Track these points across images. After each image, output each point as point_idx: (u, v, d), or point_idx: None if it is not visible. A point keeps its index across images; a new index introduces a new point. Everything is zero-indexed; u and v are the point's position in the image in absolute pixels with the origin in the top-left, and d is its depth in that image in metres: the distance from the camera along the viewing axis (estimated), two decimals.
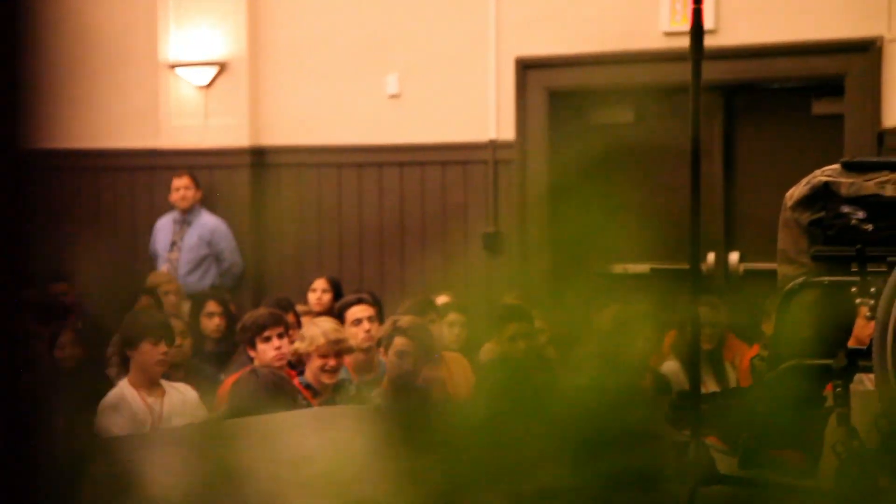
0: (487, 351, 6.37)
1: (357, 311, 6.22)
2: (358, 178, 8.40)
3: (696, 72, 3.20)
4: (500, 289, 7.79)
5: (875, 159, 3.21)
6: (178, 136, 8.64)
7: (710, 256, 7.85)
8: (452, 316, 6.79)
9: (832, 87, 7.44)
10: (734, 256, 7.82)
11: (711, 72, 7.55)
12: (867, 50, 7.20)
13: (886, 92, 7.16)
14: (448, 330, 6.74)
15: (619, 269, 8.18)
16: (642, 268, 8.06)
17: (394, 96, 8.28)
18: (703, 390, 5.45)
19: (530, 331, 6.23)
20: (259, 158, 8.55)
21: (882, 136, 7.12)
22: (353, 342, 5.79)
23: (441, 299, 7.37)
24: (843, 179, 3.19)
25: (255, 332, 5.67)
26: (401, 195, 8.32)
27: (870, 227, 3.13)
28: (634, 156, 8.07)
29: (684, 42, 7.24)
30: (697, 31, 3.21)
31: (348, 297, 6.59)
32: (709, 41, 7.40)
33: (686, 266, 7.68)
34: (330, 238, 8.47)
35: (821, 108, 7.60)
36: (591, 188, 8.11)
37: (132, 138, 8.74)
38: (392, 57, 8.25)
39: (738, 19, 7.50)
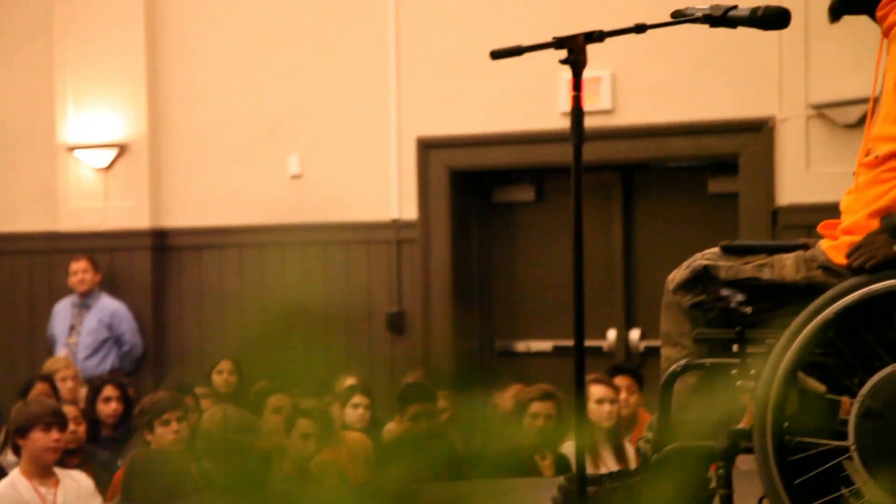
0: (389, 431, 6.36)
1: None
2: (260, 259, 8.37)
3: (577, 155, 3.24)
4: (403, 368, 7.78)
5: (752, 243, 3.26)
6: (77, 219, 8.57)
7: (611, 333, 7.91)
8: (357, 398, 6.79)
9: (727, 166, 7.56)
10: (634, 333, 7.88)
11: (609, 151, 7.70)
12: (760, 130, 7.34)
13: (779, 171, 7.28)
14: (352, 411, 6.73)
15: (521, 347, 8.22)
16: (545, 345, 8.10)
17: (296, 176, 8.29)
18: (603, 470, 5.47)
19: (433, 410, 6.22)
20: (160, 240, 8.50)
21: (776, 213, 7.24)
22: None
23: (347, 381, 7.35)
24: (722, 263, 3.23)
25: (154, 416, 5.62)
26: (303, 276, 8.30)
27: (749, 309, 3.18)
28: (536, 233, 8.13)
29: (585, 121, 7.33)
30: (577, 116, 3.24)
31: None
32: (606, 121, 7.58)
33: (591, 343, 7.73)
34: (232, 319, 8.41)
35: (716, 186, 7.71)
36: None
37: (30, 221, 8.66)
38: (294, 137, 8.27)
39: (635, 100, 7.61)
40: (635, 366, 7.20)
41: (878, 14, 3.12)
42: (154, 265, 8.48)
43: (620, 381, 6.41)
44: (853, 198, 3.15)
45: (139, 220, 8.49)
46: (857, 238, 3.05)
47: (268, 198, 8.31)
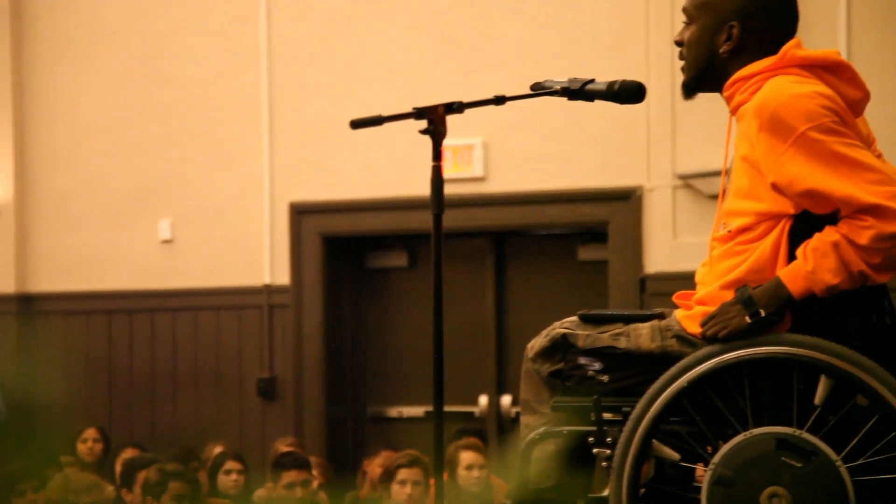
0: (260, 497, 6.31)
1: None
2: (129, 325, 8.28)
3: (438, 225, 3.26)
4: (274, 435, 7.72)
5: (609, 312, 3.30)
6: None
7: (483, 399, 7.93)
8: (230, 463, 6.73)
9: (597, 234, 7.66)
10: (506, 399, 7.91)
11: (482, 218, 7.77)
12: (628, 199, 7.45)
13: (647, 239, 7.40)
14: (225, 477, 6.66)
15: (394, 412, 8.20)
16: (417, 411, 8.10)
17: (167, 241, 8.23)
18: None
19: (308, 478, 6.19)
20: (26, 305, 8.36)
21: (644, 281, 7.34)
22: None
23: (215, 448, 7.28)
24: (580, 331, 3.27)
25: (10, 486, 5.50)
26: (174, 341, 8.23)
27: (606, 377, 3.21)
28: (409, 299, 8.16)
29: (457, 189, 7.43)
30: (437, 186, 3.27)
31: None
32: (479, 188, 7.65)
33: (463, 409, 7.74)
34: (99, 386, 8.31)
35: (586, 254, 7.81)
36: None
37: None
38: (165, 202, 8.21)
39: (507, 168, 7.69)
40: (480, 428, 7.28)
41: (725, 94, 3.21)
42: (19, 330, 8.34)
43: (462, 439, 6.49)
44: (707, 270, 3.22)
45: (4, 284, 8.35)
46: (710, 308, 3.11)
47: (138, 263, 8.23)
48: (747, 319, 3.03)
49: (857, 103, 3.17)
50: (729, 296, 3.08)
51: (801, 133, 2.99)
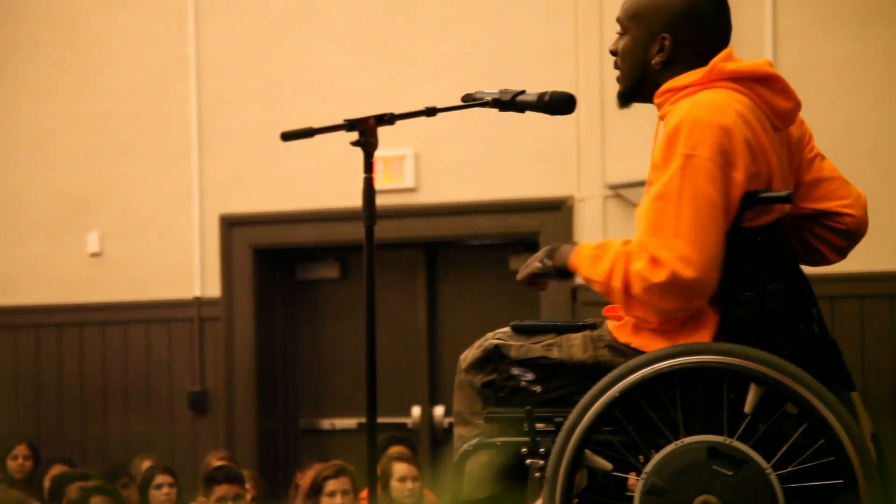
0: None
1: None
2: (58, 339, 8.20)
3: (370, 236, 3.26)
4: (206, 448, 7.67)
5: (542, 323, 3.32)
6: None
7: (416, 410, 7.93)
8: (161, 477, 6.69)
9: (528, 243, 7.69)
10: (439, 410, 7.92)
11: (413, 229, 7.77)
12: (559, 209, 7.49)
13: None
14: (157, 492, 6.62)
15: (326, 424, 8.18)
16: (350, 423, 8.08)
17: (95, 254, 8.16)
18: None
19: (240, 492, 6.16)
20: None
21: (575, 291, 7.37)
22: None
23: (144, 462, 7.23)
24: (512, 342, 3.28)
25: None
26: (103, 355, 8.16)
27: (538, 388, 3.22)
28: (341, 310, 8.14)
29: (388, 199, 7.43)
30: (369, 197, 3.27)
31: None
32: (410, 199, 7.65)
33: (395, 420, 7.74)
34: (27, 401, 8.21)
35: (517, 263, 7.82)
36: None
37: None
38: (93, 215, 8.15)
39: (439, 178, 7.70)
40: (409, 437, 7.30)
41: (656, 101, 3.24)
42: None
43: (395, 450, 6.49)
44: None
45: None
46: (635, 321, 3.16)
47: (66, 276, 8.16)
48: (537, 265, 3.26)
49: (787, 113, 3.21)
50: None
51: (680, 154, 3.04)
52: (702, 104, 3.09)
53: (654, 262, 3.01)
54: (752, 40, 6.89)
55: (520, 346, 3.27)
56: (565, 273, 3.26)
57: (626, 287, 3.06)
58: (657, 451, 3.05)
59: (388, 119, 3.28)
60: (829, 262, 3.39)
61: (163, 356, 8.09)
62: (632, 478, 3.12)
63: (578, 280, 6.92)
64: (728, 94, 3.12)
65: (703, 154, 3.03)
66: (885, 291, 6.93)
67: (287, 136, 3.25)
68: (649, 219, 3.05)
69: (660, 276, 3.00)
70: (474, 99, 3.39)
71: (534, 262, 3.29)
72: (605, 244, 3.16)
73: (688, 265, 2.99)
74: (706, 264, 3.01)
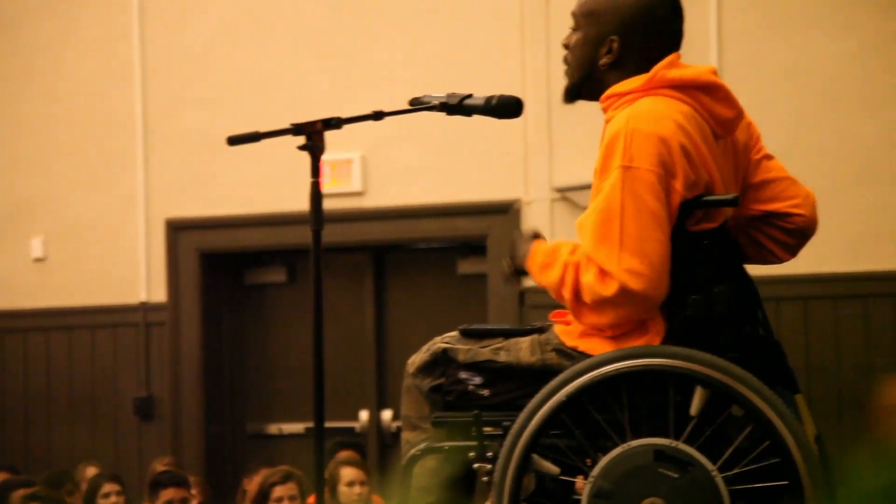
0: None
1: None
2: (1, 346, 8.13)
3: (317, 241, 3.25)
4: (152, 454, 7.62)
5: (490, 327, 3.32)
6: None
7: (363, 414, 7.91)
8: (108, 486, 6.63)
9: (476, 247, 7.70)
10: (386, 414, 7.90)
11: (361, 232, 7.75)
12: (507, 212, 7.50)
13: None
14: (103, 500, 6.57)
15: (274, 429, 8.15)
16: (297, 427, 8.06)
17: (39, 259, 8.09)
18: None
19: (186, 497, 6.13)
20: None
21: (523, 294, 7.39)
22: None
23: (88, 470, 7.17)
24: (460, 346, 3.27)
25: None
26: (48, 361, 8.09)
27: (486, 392, 3.22)
28: (288, 315, 8.11)
29: (336, 203, 7.41)
30: (317, 201, 3.26)
31: None
32: (358, 203, 7.64)
33: (343, 424, 7.73)
34: None
35: (466, 267, 7.84)
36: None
37: None
38: (37, 219, 8.08)
39: (386, 182, 7.69)
40: (357, 441, 7.30)
41: (602, 105, 3.24)
42: None
43: (343, 455, 6.50)
44: None
45: None
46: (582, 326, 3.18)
47: (9, 282, 8.08)
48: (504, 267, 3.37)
49: (729, 122, 3.22)
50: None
51: (619, 166, 3.05)
52: (640, 115, 3.10)
53: (603, 274, 3.03)
54: (697, 43, 6.93)
55: (468, 350, 3.27)
56: (524, 273, 3.33)
57: (576, 297, 3.10)
58: (604, 454, 3.06)
59: (335, 123, 3.28)
60: (781, 261, 3.41)
61: (108, 362, 8.04)
62: (579, 481, 3.13)
63: (529, 282, 6.93)
64: (668, 103, 3.13)
65: (643, 166, 3.05)
66: (829, 293, 6.99)
67: (234, 141, 3.24)
68: (595, 231, 3.07)
69: (609, 289, 3.02)
70: (421, 103, 3.39)
71: (504, 260, 3.37)
72: (555, 250, 3.19)
73: (636, 278, 3.01)
74: (654, 276, 3.03)
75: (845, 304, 6.98)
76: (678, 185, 3.07)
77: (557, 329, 3.24)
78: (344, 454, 6.55)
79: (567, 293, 3.10)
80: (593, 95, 3.27)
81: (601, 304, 3.05)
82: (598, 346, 3.14)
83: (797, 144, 6.84)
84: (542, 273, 3.20)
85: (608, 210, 3.05)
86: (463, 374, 3.25)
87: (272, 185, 7.81)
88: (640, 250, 3.02)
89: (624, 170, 3.05)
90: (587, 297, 3.06)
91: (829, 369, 6.91)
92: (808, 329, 6.96)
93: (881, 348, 6.91)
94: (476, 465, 3.19)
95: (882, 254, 6.95)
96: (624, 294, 3.01)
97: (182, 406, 7.95)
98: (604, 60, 3.24)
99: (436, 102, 3.36)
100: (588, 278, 3.05)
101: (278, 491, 5.88)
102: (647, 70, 3.19)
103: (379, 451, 7.87)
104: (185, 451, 7.87)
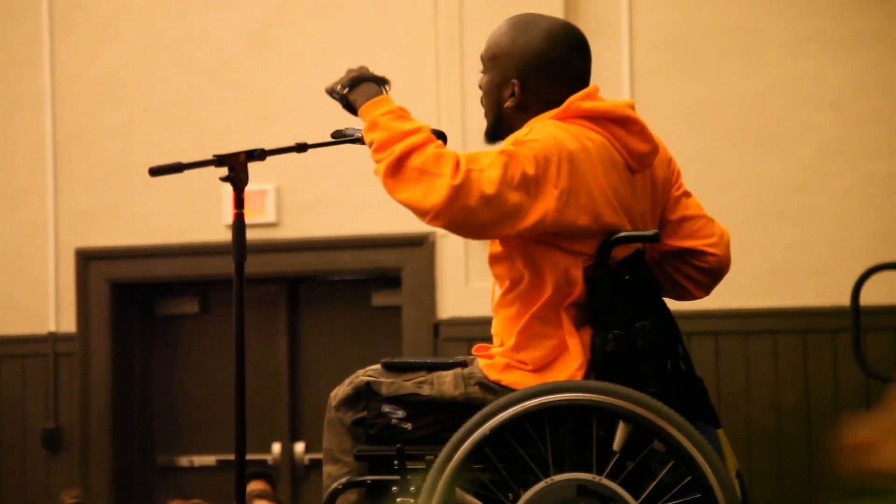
0: None
1: None
2: None
3: (240, 273, 3.24)
4: (59, 487, 7.51)
5: (413, 360, 3.32)
6: None
7: (276, 447, 7.86)
8: None
9: (391, 279, 7.69)
10: (299, 447, 7.86)
11: (274, 264, 7.71)
12: (421, 244, 7.51)
13: (439, 285, 7.46)
14: None
15: (184, 461, 8.07)
16: (209, 459, 7.98)
17: None
18: None
19: None
20: None
21: (437, 326, 7.40)
22: None
23: None
24: (383, 379, 3.27)
25: None
26: None
27: (409, 425, 3.22)
28: (200, 346, 8.04)
29: (250, 234, 7.32)
30: (240, 233, 3.24)
31: None
32: (272, 234, 7.61)
33: (255, 456, 7.68)
34: None
35: (380, 299, 7.83)
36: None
37: None
38: None
39: (301, 213, 7.67)
40: (266, 472, 7.26)
41: None
42: None
43: (255, 485, 6.45)
44: (496, 320, 3.29)
45: None
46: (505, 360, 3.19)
47: None
48: (337, 87, 3.34)
49: (644, 156, 3.25)
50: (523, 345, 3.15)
51: (511, 142, 3.12)
52: (544, 126, 3.14)
53: (456, 163, 3.03)
54: (610, 80, 6.99)
55: (391, 384, 3.26)
56: (350, 107, 3.29)
57: (404, 157, 3.08)
58: (527, 488, 3.07)
59: (258, 154, 3.27)
60: (693, 298, 3.45)
61: (15, 393, 7.90)
62: None
63: (444, 314, 6.86)
64: (578, 130, 3.16)
65: (526, 153, 3.07)
66: (739, 328, 7.08)
67: (155, 172, 3.22)
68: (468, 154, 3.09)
69: (453, 175, 3.02)
70: (344, 135, 3.40)
71: (336, 84, 3.32)
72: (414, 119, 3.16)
73: (489, 184, 3.03)
74: (498, 203, 3.03)
75: (756, 339, 7.07)
76: (548, 190, 3.07)
77: (481, 363, 3.25)
78: (256, 484, 6.51)
79: (399, 148, 3.08)
80: (509, 132, 3.30)
81: (428, 179, 3.04)
82: (521, 380, 3.16)
83: (707, 182, 6.91)
84: (386, 117, 3.16)
85: (489, 152, 3.09)
86: (386, 408, 3.25)
87: (184, 216, 7.75)
88: (500, 181, 3.03)
89: (516, 143, 3.10)
90: (419, 163, 3.05)
91: (739, 404, 6.99)
92: (719, 364, 7.04)
93: (790, 383, 7.01)
94: (399, 500, 3.19)
95: (792, 290, 7.05)
96: (468, 183, 3.01)
97: (91, 438, 7.84)
98: (508, 104, 3.28)
99: (359, 135, 3.36)
100: (442, 151, 3.05)
101: None
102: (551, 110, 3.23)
103: (291, 484, 7.81)
104: (93, 484, 7.76)
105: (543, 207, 3.06)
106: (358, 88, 3.21)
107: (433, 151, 3.04)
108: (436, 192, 3.02)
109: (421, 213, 3.05)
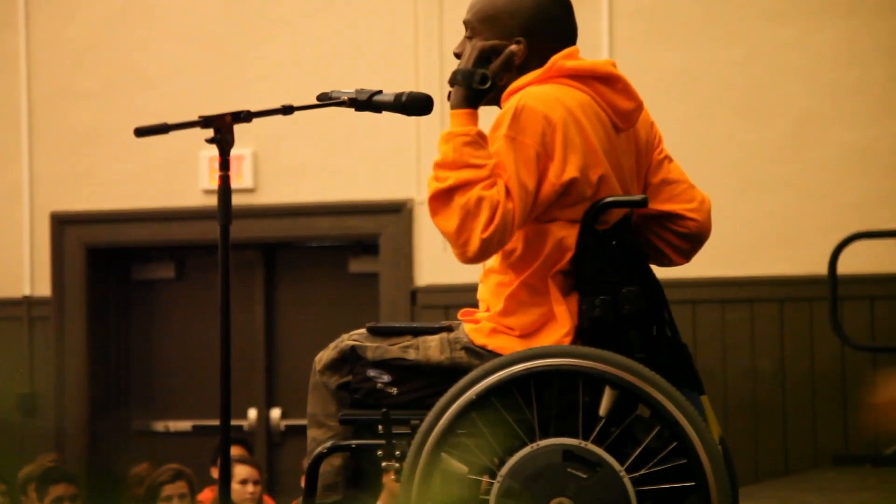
0: None
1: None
2: None
3: (225, 236, 3.20)
4: (35, 451, 7.49)
5: (398, 325, 3.30)
6: None
7: (252, 413, 7.86)
8: None
9: (368, 246, 7.69)
10: (275, 413, 7.86)
11: (251, 229, 7.69)
12: (399, 211, 7.50)
13: (417, 252, 7.46)
14: None
15: (160, 426, 8.06)
16: (185, 425, 7.97)
17: None
18: None
19: (76, 493, 6.04)
20: None
21: (414, 294, 7.40)
22: None
23: None
24: (369, 343, 3.26)
25: None
26: None
27: (394, 390, 3.21)
28: (176, 311, 8.02)
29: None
30: (225, 196, 3.21)
31: None
32: (249, 199, 7.58)
33: (232, 423, 7.69)
34: None
35: (357, 266, 7.82)
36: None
37: None
38: None
39: (277, 179, 7.65)
40: (245, 437, 7.26)
41: (502, 104, 3.25)
42: None
43: (233, 450, 6.43)
44: (483, 286, 3.28)
45: None
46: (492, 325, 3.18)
47: None
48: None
49: (628, 113, 3.24)
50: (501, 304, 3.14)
51: (504, 135, 3.09)
52: (532, 94, 3.12)
53: (498, 210, 3.04)
54: (589, 48, 6.96)
55: (376, 348, 3.25)
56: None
57: (459, 188, 3.07)
58: (512, 454, 3.06)
59: (244, 116, 3.24)
60: (674, 264, 3.44)
61: None
62: (486, 480, 3.13)
63: (421, 281, 6.87)
64: (564, 90, 3.15)
65: (526, 141, 3.07)
66: (717, 297, 7.10)
67: (141, 132, 3.18)
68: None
69: (492, 225, 3.02)
70: (330, 98, 3.36)
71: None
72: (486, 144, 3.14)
73: (517, 217, 3.06)
74: (523, 223, 3.07)
75: (732, 307, 7.09)
76: (551, 171, 3.08)
77: (467, 328, 3.23)
78: (234, 450, 6.50)
79: (453, 178, 3.08)
80: (495, 99, 3.27)
81: (465, 219, 3.04)
82: (507, 345, 3.15)
83: (685, 151, 6.84)
84: (460, 138, 3.14)
85: (500, 167, 3.08)
86: (371, 372, 3.24)
87: (161, 181, 7.73)
88: (521, 212, 3.06)
89: (509, 140, 3.08)
90: (463, 202, 3.05)
91: (716, 372, 7.02)
92: (696, 332, 7.06)
93: (766, 352, 7.04)
94: (384, 464, 3.18)
95: (768, 258, 7.07)
96: (489, 241, 3.03)
97: (66, 402, 7.82)
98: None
99: (345, 98, 3.33)
100: (478, 193, 3.04)
101: (168, 489, 5.83)
102: None
103: (267, 450, 7.81)
104: (68, 449, 7.74)
105: (551, 181, 3.09)
106: (456, 86, 3.19)
107: (478, 194, 3.03)
108: (468, 242, 3.05)
109: (451, 245, 3.06)
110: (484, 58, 3.22)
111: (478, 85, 3.18)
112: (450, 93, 3.22)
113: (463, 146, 3.11)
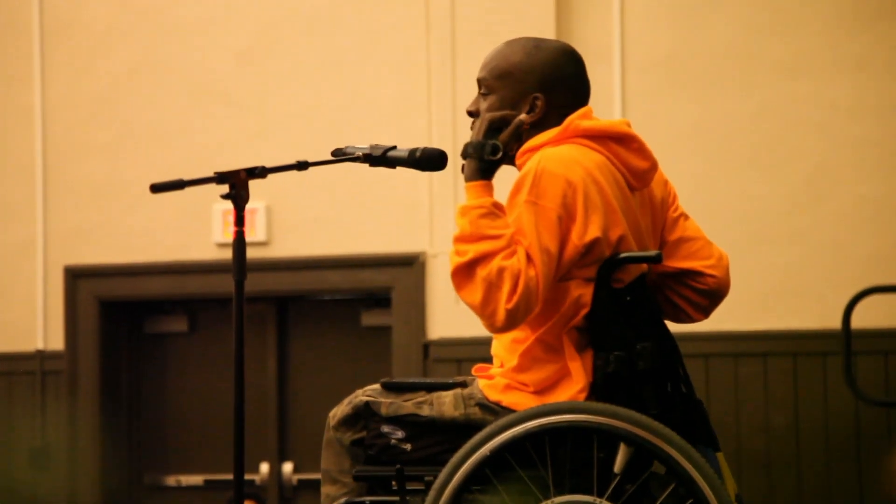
0: None
1: None
2: None
3: (240, 291, 3.21)
4: None
5: (413, 381, 3.31)
6: None
7: (264, 467, 7.84)
8: None
9: (380, 299, 7.68)
10: (288, 467, 7.83)
11: (264, 283, 7.69)
12: (412, 264, 7.50)
13: (430, 305, 7.45)
14: None
15: (172, 481, 8.03)
16: (196, 479, 7.95)
17: None
18: None
19: None
20: None
21: (427, 347, 7.38)
22: None
23: None
24: (382, 399, 3.26)
25: None
26: None
27: (408, 446, 3.21)
28: (189, 365, 8.01)
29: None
30: (240, 251, 3.22)
31: None
32: (261, 253, 7.59)
33: (245, 476, 7.64)
34: None
35: (370, 319, 7.81)
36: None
37: None
38: None
39: (291, 232, 7.66)
40: (257, 491, 7.23)
41: (517, 162, 3.26)
42: None
43: None
44: (497, 341, 3.28)
45: None
46: (506, 381, 3.17)
47: None
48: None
49: (643, 173, 3.26)
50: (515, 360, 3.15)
51: (525, 201, 3.10)
52: (551, 156, 3.13)
53: (520, 279, 3.05)
54: (602, 102, 7.00)
55: (390, 404, 3.25)
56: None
57: (479, 261, 3.06)
58: None
59: (259, 172, 3.26)
60: (691, 321, 3.45)
61: (3, 410, 7.86)
62: None
63: (434, 335, 6.86)
64: (580, 150, 3.16)
65: (547, 205, 3.07)
66: (730, 350, 7.07)
67: (156, 188, 3.20)
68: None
69: (516, 295, 3.02)
70: (345, 153, 3.38)
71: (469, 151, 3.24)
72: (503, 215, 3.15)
73: (540, 285, 3.06)
74: (546, 289, 3.07)
75: (746, 361, 7.07)
76: (577, 230, 3.09)
77: (481, 383, 3.23)
78: None
79: (473, 251, 3.06)
80: (511, 160, 3.28)
81: (489, 291, 3.03)
82: (521, 401, 3.15)
83: (698, 204, 6.91)
84: (476, 210, 3.12)
85: (521, 233, 3.07)
86: (385, 428, 3.24)
87: (174, 234, 7.74)
88: (544, 277, 3.07)
89: (530, 204, 3.08)
90: (485, 274, 3.04)
91: (729, 427, 6.98)
92: (709, 385, 7.03)
93: (780, 406, 7.01)
94: None
95: (782, 313, 7.05)
96: (514, 312, 3.03)
97: (78, 456, 7.79)
98: (526, 120, 3.27)
99: (359, 154, 3.35)
100: (499, 264, 3.04)
101: None
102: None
103: None
104: (80, 503, 7.72)
105: (574, 242, 3.09)
106: (468, 159, 3.20)
107: (499, 264, 3.03)
108: (494, 313, 3.06)
109: (479, 317, 3.08)
110: (494, 128, 3.23)
111: (489, 156, 3.19)
112: (463, 165, 3.23)
113: (479, 218, 3.11)
